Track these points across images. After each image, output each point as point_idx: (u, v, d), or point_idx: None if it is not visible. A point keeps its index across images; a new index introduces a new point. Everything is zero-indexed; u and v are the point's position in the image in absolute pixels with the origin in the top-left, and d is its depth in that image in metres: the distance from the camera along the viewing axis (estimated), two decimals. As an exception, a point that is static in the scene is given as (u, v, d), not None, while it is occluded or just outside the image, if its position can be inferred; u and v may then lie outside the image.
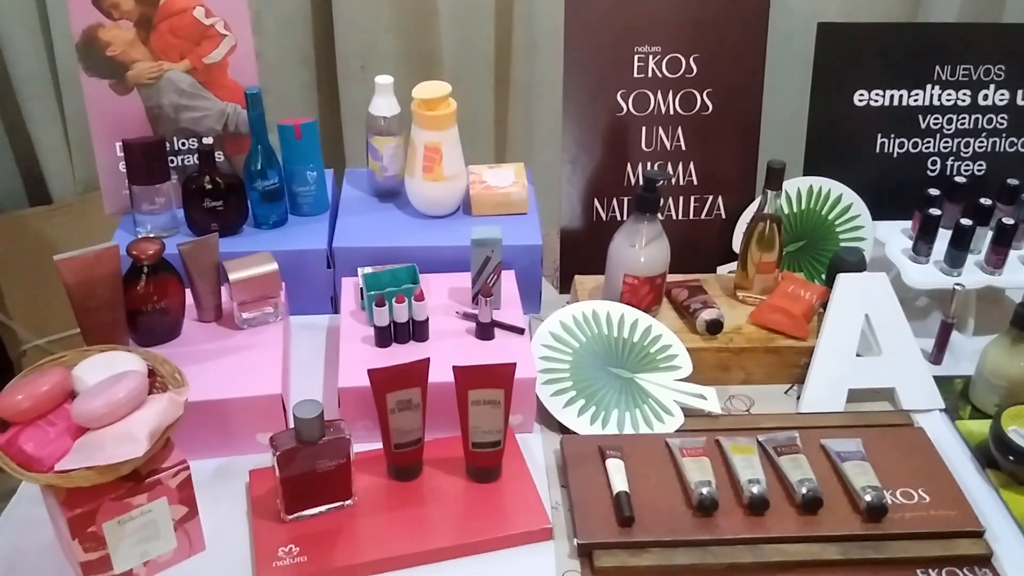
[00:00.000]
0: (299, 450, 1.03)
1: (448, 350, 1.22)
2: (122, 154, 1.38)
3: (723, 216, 1.50)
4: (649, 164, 1.46)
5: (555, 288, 1.51)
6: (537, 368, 1.23)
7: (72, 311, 1.13)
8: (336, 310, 1.42)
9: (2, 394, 0.97)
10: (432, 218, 1.45)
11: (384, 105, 1.43)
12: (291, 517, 1.06)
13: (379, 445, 1.12)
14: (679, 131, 1.46)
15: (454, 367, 1.07)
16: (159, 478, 0.98)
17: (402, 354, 1.22)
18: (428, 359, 1.08)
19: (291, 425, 1.05)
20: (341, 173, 1.58)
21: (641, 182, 1.27)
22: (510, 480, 1.13)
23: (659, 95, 1.44)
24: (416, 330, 1.24)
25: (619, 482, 1.10)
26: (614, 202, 1.47)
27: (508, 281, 1.34)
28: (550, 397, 1.23)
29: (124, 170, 1.38)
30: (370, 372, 1.06)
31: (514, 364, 1.07)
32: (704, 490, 1.08)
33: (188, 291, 1.25)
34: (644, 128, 1.45)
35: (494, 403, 1.08)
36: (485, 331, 1.24)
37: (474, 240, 1.27)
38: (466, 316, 1.29)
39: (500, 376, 1.07)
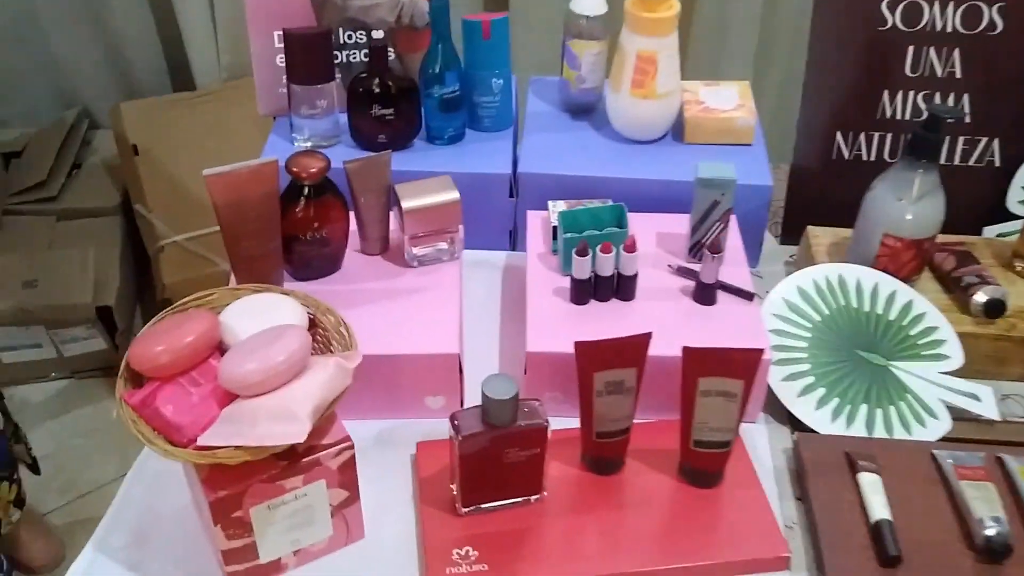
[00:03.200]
0: (485, 434, 0.83)
1: (659, 314, 1.00)
2: (281, 45, 1.18)
3: (996, 164, 1.21)
4: (912, 94, 1.17)
5: (775, 237, 1.26)
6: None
7: (221, 235, 0.95)
8: (513, 246, 1.21)
9: (137, 342, 0.80)
10: (635, 143, 1.21)
11: (589, 3, 1.18)
12: (467, 510, 0.88)
13: (568, 422, 0.92)
14: (955, 54, 1.16)
15: (684, 348, 0.85)
16: (318, 458, 0.80)
17: (603, 314, 1.00)
18: (650, 334, 0.86)
19: (465, 390, 0.85)
20: (524, 81, 1.34)
21: (923, 117, 0.99)
22: (734, 487, 0.91)
23: (935, 6, 1.14)
24: (621, 286, 1.01)
25: (878, 506, 0.87)
26: (861, 137, 1.20)
27: (731, 231, 1.10)
28: (781, 382, 0.99)
29: (282, 65, 1.18)
30: (577, 345, 0.85)
31: (761, 351, 0.84)
32: (993, 529, 0.84)
33: (351, 217, 1.05)
34: (911, 48, 1.16)
35: (729, 396, 0.86)
36: (707, 294, 1.01)
37: (700, 179, 1.02)
38: (680, 271, 1.06)
39: (741, 364, 0.84)
